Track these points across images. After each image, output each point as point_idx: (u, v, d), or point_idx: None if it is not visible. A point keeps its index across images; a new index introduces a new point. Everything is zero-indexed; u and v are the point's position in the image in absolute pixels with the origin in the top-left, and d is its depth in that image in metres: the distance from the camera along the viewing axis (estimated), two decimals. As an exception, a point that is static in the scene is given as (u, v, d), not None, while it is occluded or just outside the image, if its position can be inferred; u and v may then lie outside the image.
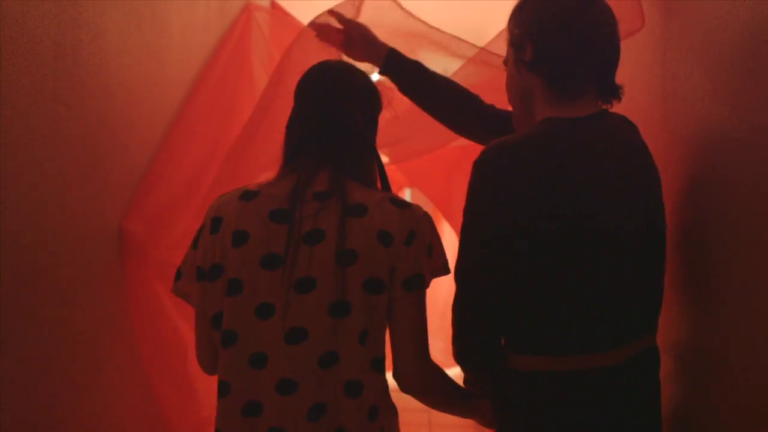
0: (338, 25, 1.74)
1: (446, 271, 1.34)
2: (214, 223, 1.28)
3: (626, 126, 1.35)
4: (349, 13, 1.77)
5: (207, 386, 1.97)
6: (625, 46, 1.77)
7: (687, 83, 1.51)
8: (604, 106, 1.34)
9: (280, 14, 2.80)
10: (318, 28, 1.75)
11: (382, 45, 1.69)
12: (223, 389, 1.25)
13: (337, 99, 1.34)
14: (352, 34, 1.72)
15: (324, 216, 1.25)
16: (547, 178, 1.19)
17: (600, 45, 1.29)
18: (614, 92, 1.33)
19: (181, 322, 1.89)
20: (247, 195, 1.29)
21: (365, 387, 1.24)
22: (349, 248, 1.23)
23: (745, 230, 1.22)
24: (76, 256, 1.50)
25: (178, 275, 1.36)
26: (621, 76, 1.80)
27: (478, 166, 1.24)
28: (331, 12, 1.75)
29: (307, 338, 1.22)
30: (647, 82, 1.74)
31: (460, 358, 1.29)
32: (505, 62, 1.43)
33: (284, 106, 1.42)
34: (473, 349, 1.28)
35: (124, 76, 1.68)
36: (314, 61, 1.40)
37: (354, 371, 1.23)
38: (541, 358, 1.23)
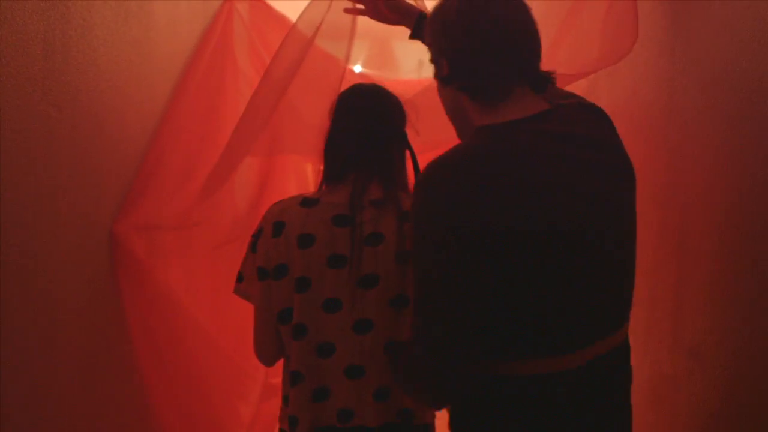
0: None
1: None
2: (276, 227, 1.44)
3: (586, 120, 1.27)
4: None
5: (201, 387, 1.92)
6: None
7: (697, 78, 1.48)
8: (564, 101, 1.28)
9: (260, 5, 2.74)
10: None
11: (412, 10, 1.69)
12: (296, 378, 1.42)
13: (379, 117, 1.50)
14: (377, 3, 1.72)
15: (383, 221, 1.42)
16: (491, 187, 1.12)
17: (514, 40, 1.19)
18: (544, 80, 1.24)
19: (175, 324, 1.83)
20: (308, 202, 1.45)
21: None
22: (407, 249, 1.39)
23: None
24: (68, 258, 1.42)
25: (240, 278, 1.53)
26: (624, 69, 1.75)
27: (421, 187, 1.18)
28: None
29: (373, 328, 1.40)
30: (653, 76, 1.70)
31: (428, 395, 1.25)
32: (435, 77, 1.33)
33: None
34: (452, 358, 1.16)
35: (114, 72, 1.60)
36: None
37: (395, 336, 1.42)
38: (503, 363, 1.18)
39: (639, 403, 1.76)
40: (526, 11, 1.21)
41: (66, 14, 1.36)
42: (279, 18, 2.76)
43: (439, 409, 1.35)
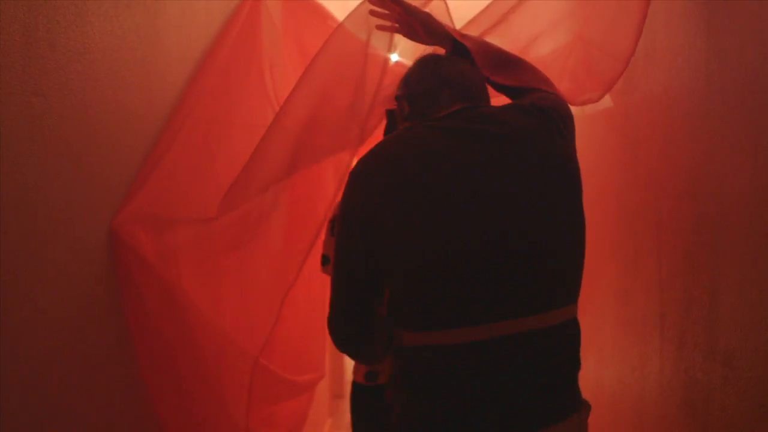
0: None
1: None
2: None
3: (502, 118, 1.40)
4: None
5: (201, 386, 1.87)
6: (664, 17, 1.60)
7: (736, 59, 1.34)
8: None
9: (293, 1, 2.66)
10: (376, 14, 1.72)
11: (448, 35, 1.67)
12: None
13: None
14: (412, 23, 1.70)
15: None
16: (389, 170, 1.36)
17: (451, 84, 1.50)
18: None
19: (184, 324, 1.78)
20: None
21: None
22: None
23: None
24: (61, 259, 1.38)
25: (326, 260, 1.81)
26: (658, 53, 1.63)
27: (352, 176, 1.42)
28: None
29: None
30: (689, 57, 1.56)
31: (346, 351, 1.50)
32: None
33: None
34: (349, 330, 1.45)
35: (113, 61, 1.54)
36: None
37: None
38: (426, 334, 1.32)
39: (670, 410, 1.64)
40: (467, 67, 1.56)
41: (52, 1, 1.31)
42: (316, 10, 2.69)
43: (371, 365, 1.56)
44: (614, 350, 2.12)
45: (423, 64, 1.57)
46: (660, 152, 1.73)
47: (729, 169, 1.37)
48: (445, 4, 1.72)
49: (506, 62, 1.63)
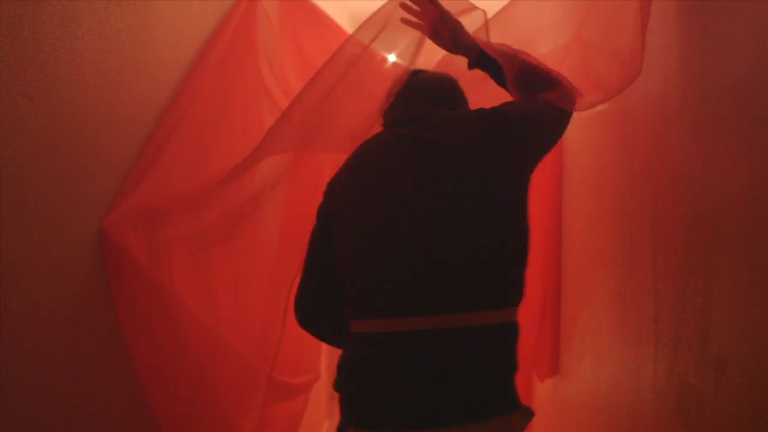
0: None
1: None
2: None
3: (447, 126, 1.50)
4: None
5: (194, 388, 1.86)
6: (660, 18, 1.59)
7: (730, 59, 1.32)
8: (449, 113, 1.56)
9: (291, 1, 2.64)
10: (407, 9, 1.69)
11: (470, 43, 1.67)
12: None
13: None
14: (440, 29, 1.69)
15: None
16: (344, 173, 1.58)
17: (425, 90, 1.63)
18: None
19: (168, 322, 1.77)
20: None
21: None
22: None
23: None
24: (49, 261, 1.37)
25: None
26: (654, 55, 1.63)
27: (333, 177, 1.63)
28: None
29: None
30: (684, 58, 1.54)
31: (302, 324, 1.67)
32: None
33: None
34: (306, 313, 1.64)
35: (102, 62, 1.53)
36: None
37: None
38: (358, 322, 1.47)
39: (664, 414, 1.63)
40: (442, 76, 1.69)
41: (39, 2, 1.30)
42: (313, 10, 2.68)
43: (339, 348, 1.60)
44: (610, 353, 2.10)
45: (408, 76, 1.69)
46: (655, 153, 1.71)
47: (723, 171, 1.36)
48: (485, 15, 1.66)
49: (532, 76, 1.58)
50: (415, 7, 1.69)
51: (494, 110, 1.51)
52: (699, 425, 1.45)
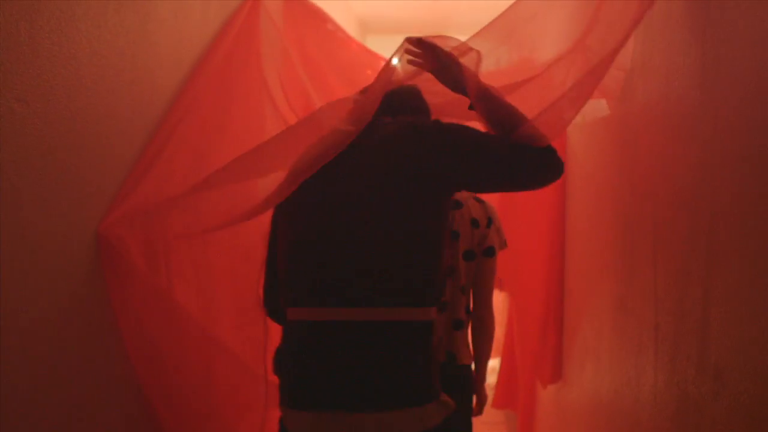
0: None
1: (505, 246, 2.15)
2: None
3: (385, 133, 1.61)
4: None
5: (193, 390, 1.86)
6: (661, 24, 1.58)
7: (730, 67, 1.31)
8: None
9: (294, 4, 2.64)
10: (416, 44, 1.70)
11: (465, 90, 1.70)
12: None
13: None
14: (442, 72, 1.69)
15: (460, 222, 2.01)
16: None
17: (392, 96, 1.70)
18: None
19: (166, 326, 1.78)
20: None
21: (464, 323, 2.06)
22: (455, 230, 2.01)
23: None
24: (45, 264, 1.37)
25: None
26: (655, 60, 1.62)
27: None
28: (441, 39, 1.70)
29: (447, 307, 1.98)
30: (684, 65, 1.53)
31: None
32: None
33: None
34: (269, 304, 1.79)
35: (100, 66, 1.54)
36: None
37: (457, 312, 2.04)
38: (288, 309, 1.60)
39: (663, 423, 1.61)
40: (411, 89, 1.78)
41: (35, 5, 1.30)
42: (316, 13, 2.67)
43: None
44: (611, 360, 2.09)
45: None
46: (656, 161, 1.70)
47: (721, 180, 1.35)
48: (478, 55, 1.70)
49: (503, 125, 1.61)
50: (417, 59, 1.71)
51: (440, 125, 1.62)
52: (696, 434, 1.44)
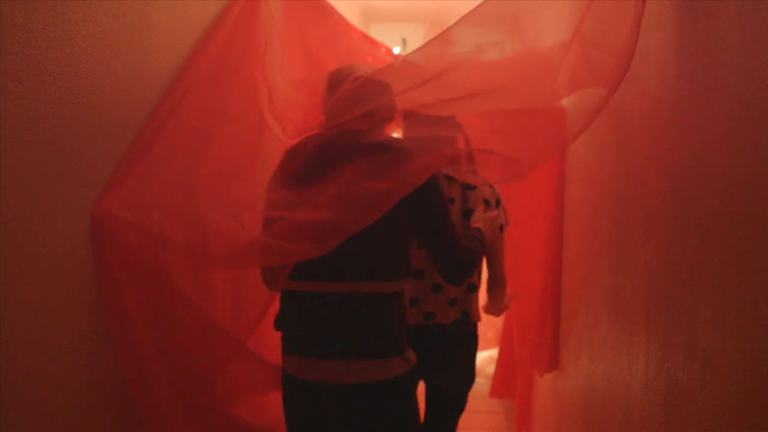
0: None
1: (508, 224, 2.41)
2: None
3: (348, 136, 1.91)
4: None
5: (187, 374, 1.86)
6: (657, 13, 1.58)
7: (721, 58, 1.31)
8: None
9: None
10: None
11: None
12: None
13: None
14: None
15: (452, 189, 2.30)
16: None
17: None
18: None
19: (161, 310, 1.79)
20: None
21: (476, 286, 2.41)
22: (470, 207, 2.30)
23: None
24: (42, 248, 1.38)
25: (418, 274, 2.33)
26: (652, 48, 1.61)
27: None
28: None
29: None
30: (678, 56, 1.53)
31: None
32: None
33: None
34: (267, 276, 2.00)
35: (96, 48, 1.54)
36: None
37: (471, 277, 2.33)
38: (291, 282, 1.92)
39: (654, 410, 1.62)
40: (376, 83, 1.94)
41: (31, -15, 1.31)
42: (320, 4, 2.65)
43: None
44: (605, 348, 2.10)
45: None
46: (650, 151, 1.70)
47: (711, 169, 1.35)
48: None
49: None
50: None
51: (433, 180, 1.89)
52: (685, 420, 1.44)
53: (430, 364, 2.29)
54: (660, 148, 1.62)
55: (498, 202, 2.36)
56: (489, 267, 2.44)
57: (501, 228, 2.33)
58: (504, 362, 3.55)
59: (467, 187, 2.30)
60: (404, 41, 4.91)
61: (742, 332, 1.22)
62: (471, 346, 2.45)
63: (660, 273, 1.61)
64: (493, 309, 2.51)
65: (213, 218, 1.85)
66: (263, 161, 2.20)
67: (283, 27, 2.52)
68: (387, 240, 1.87)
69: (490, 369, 4.32)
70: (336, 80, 1.98)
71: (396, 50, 2.95)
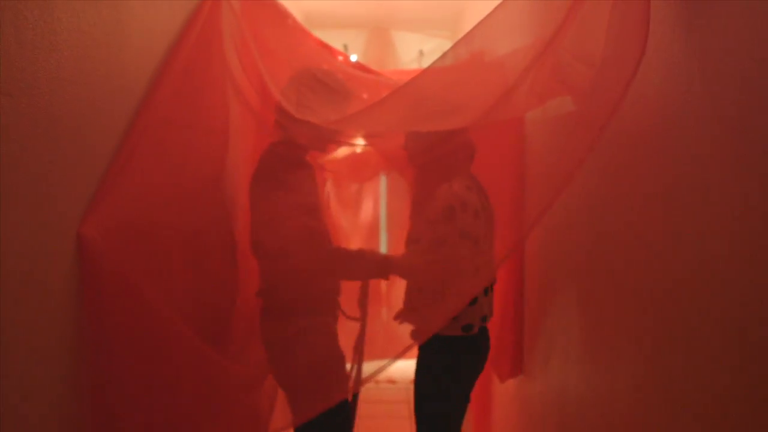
0: None
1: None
2: None
3: None
4: None
5: (173, 391, 1.80)
6: (652, 16, 1.61)
7: (713, 61, 1.35)
8: None
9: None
10: None
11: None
12: None
13: None
14: None
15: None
16: None
17: None
18: None
19: (145, 330, 1.71)
20: None
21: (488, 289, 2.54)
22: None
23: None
24: (25, 264, 1.30)
25: None
26: (647, 51, 1.63)
27: None
28: None
29: None
30: (669, 59, 1.57)
31: None
32: None
33: None
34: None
35: (79, 58, 1.47)
36: None
37: None
38: None
39: (640, 410, 1.66)
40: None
41: (19, -6, 1.24)
42: (276, 8, 2.65)
43: None
44: (580, 352, 2.13)
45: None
46: (639, 154, 1.72)
47: (696, 172, 1.39)
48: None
49: None
50: None
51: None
52: (678, 423, 1.47)
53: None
54: (650, 152, 1.65)
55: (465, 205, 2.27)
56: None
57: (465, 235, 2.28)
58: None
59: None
60: (346, 47, 4.89)
61: (721, 335, 1.26)
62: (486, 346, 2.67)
63: (635, 277, 1.66)
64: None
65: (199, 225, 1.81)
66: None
67: (243, 33, 2.51)
68: None
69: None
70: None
71: (353, 57, 2.97)
